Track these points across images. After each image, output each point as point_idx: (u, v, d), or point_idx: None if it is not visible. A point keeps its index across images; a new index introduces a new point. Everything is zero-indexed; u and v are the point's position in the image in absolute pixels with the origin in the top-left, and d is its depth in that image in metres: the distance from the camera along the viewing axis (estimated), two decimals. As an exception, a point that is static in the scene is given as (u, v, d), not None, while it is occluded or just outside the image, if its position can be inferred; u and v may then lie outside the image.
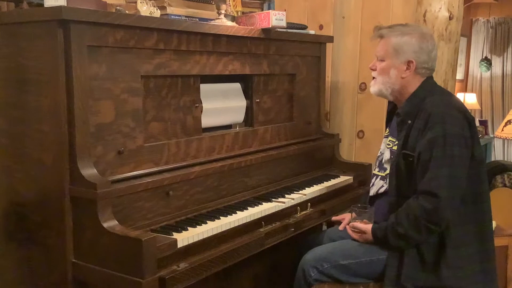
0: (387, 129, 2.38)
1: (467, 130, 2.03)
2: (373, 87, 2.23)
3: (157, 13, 2.10)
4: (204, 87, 2.27)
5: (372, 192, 2.32)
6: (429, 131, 2.02)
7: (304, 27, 2.94)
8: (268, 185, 2.55)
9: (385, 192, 2.23)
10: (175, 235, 1.86)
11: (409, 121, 2.12)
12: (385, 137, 2.37)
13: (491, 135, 6.88)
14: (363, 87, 3.29)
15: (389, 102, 2.37)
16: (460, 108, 2.09)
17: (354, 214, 2.29)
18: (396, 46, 2.15)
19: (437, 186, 1.96)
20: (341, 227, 2.44)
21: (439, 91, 2.20)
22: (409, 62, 2.14)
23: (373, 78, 2.24)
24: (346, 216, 2.47)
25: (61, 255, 1.81)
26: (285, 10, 3.32)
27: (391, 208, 2.12)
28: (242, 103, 2.51)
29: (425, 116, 2.05)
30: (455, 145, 1.99)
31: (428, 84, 2.18)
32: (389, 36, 2.17)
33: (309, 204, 2.45)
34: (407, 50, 2.14)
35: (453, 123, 2.01)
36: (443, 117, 2.02)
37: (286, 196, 2.43)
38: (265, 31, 2.47)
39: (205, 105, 2.27)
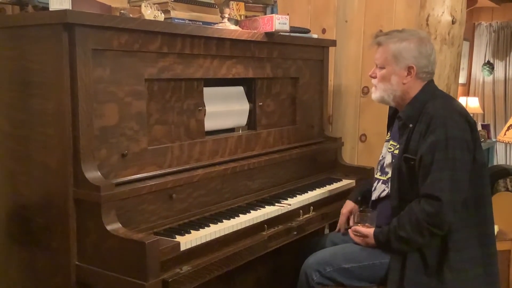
0: (389, 133, 2.38)
1: (469, 134, 2.04)
2: (375, 94, 2.24)
3: (161, 17, 2.11)
4: (207, 91, 2.27)
5: (374, 196, 2.32)
6: (431, 135, 2.02)
7: (307, 31, 2.94)
8: (271, 188, 2.55)
9: (387, 196, 2.23)
10: (178, 238, 1.86)
11: (411, 125, 2.12)
12: (386, 141, 2.37)
13: (494, 139, 6.88)
14: (365, 91, 3.29)
15: (390, 107, 2.37)
16: (462, 112, 2.09)
17: (356, 218, 2.29)
18: (396, 53, 2.15)
19: (439, 190, 1.96)
20: (341, 226, 2.45)
21: (440, 95, 2.21)
22: (409, 68, 2.15)
23: (374, 85, 2.24)
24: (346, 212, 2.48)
25: (64, 258, 1.82)
26: (288, 14, 3.33)
27: (394, 212, 2.13)
28: (245, 106, 2.52)
29: (426, 119, 2.05)
30: (457, 148, 1.99)
31: (430, 88, 2.18)
32: (388, 43, 2.17)
33: (312, 207, 2.46)
34: (406, 56, 2.14)
35: (455, 126, 2.02)
36: (445, 120, 2.02)
37: (289, 199, 2.43)
38: (268, 35, 2.48)
39: (208, 108, 2.27)
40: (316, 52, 2.93)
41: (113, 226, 1.74)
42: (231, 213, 2.17)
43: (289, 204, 2.36)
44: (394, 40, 2.16)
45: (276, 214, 2.28)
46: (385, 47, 2.18)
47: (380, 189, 2.29)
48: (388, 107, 2.41)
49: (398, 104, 2.23)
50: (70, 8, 1.78)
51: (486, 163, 2.17)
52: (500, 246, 2.48)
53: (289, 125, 2.78)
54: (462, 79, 6.98)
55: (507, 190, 4.06)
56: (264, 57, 2.54)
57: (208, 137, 2.28)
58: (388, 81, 2.17)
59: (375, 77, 2.22)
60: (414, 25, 2.99)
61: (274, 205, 2.33)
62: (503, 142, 5.04)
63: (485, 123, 7.13)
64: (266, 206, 2.30)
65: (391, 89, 2.18)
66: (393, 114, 2.35)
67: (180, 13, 2.22)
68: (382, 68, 2.19)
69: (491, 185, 4.02)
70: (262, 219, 2.20)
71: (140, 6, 2.09)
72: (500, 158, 7.27)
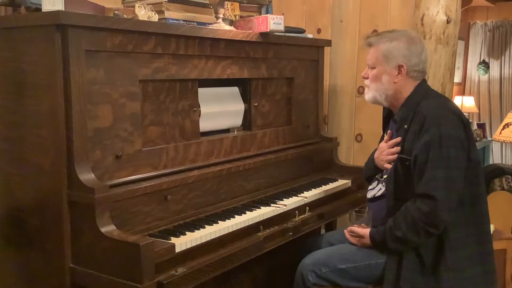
0: (385, 134, 2.38)
1: (463, 132, 2.04)
2: (367, 95, 2.25)
3: (155, 17, 2.10)
4: (202, 91, 2.26)
5: (371, 195, 2.32)
6: (425, 134, 2.03)
7: (302, 31, 2.94)
8: (266, 189, 2.55)
9: (382, 196, 2.24)
10: (173, 240, 1.85)
11: (405, 126, 2.13)
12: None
13: (489, 138, 6.89)
14: (361, 91, 3.29)
15: (384, 108, 2.38)
16: (455, 110, 2.10)
17: (352, 218, 2.29)
18: (386, 52, 2.16)
19: (433, 188, 1.97)
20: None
21: (433, 94, 2.21)
22: (399, 67, 2.16)
23: (366, 86, 2.25)
24: None
25: (59, 260, 1.81)
26: (283, 14, 3.33)
27: (389, 212, 2.13)
28: (240, 107, 2.51)
29: (420, 119, 2.06)
30: (450, 147, 1.99)
31: (422, 88, 2.19)
32: (378, 44, 2.19)
33: (308, 208, 2.45)
34: (396, 54, 2.15)
35: (449, 125, 2.02)
36: (438, 119, 2.02)
37: (285, 200, 2.43)
38: (263, 35, 2.47)
39: (203, 109, 2.27)
40: (311, 52, 2.92)
41: (108, 228, 1.73)
42: (227, 214, 2.16)
43: (285, 205, 2.35)
44: (384, 40, 2.18)
45: (272, 215, 2.27)
46: (376, 47, 2.20)
47: (377, 189, 2.29)
48: (382, 107, 2.41)
49: (391, 104, 2.23)
50: (63, 9, 1.77)
51: (480, 161, 2.17)
52: (496, 245, 2.48)
53: (285, 126, 2.77)
54: (457, 79, 6.98)
55: (503, 189, 4.06)
56: (259, 57, 2.53)
57: (203, 138, 2.27)
58: (379, 80, 2.18)
59: (367, 78, 2.23)
60: (409, 24, 2.99)
61: (269, 205, 2.32)
62: (498, 141, 5.06)
63: (481, 122, 7.14)
64: (261, 207, 2.29)
65: (382, 88, 2.19)
66: (387, 116, 2.36)
67: (174, 14, 2.21)
68: (373, 68, 2.21)
69: (487, 184, 4.03)
70: (257, 220, 2.19)
71: (134, 6, 2.08)
72: (495, 157, 7.29)
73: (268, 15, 2.47)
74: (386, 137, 2.29)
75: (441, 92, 2.77)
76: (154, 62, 2.01)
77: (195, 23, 2.28)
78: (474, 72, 7.40)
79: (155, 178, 2.00)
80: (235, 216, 2.15)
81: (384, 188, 2.21)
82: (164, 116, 2.10)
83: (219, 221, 2.07)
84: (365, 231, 2.18)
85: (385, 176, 2.24)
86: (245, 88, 2.53)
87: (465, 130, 2.05)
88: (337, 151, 3.10)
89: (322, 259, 2.18)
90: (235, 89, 2.51)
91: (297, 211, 2.39)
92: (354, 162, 3.33)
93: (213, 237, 1.97)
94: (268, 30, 2.45)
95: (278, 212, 2.31)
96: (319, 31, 3.42)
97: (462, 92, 7.40)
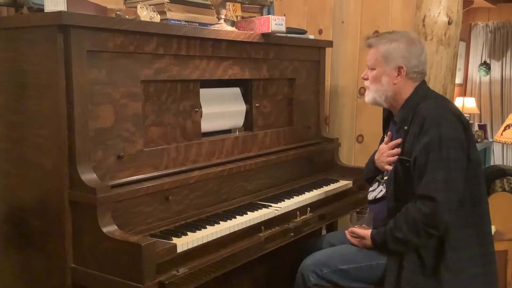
0: (385, 135, 2.38)
1: (462, 133, 2.04)
2: (367, 96, 2.26)
3: (157, 18, 2.10)
4: (203, 92, 2.27)
5: (371, 196, 2.32)
6: (424, 135, 2.03)
7: (304, 32, 2.94)
8: (267, 189, 2.55)
9: (383, 197, 2.24)
10: (175, 240, 1.85)
11: (405, 127, 2.13)
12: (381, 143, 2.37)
13: (490, 140, 6.89)
14: (362, 92, 3.29)
15: (384, 109, 2.38)
16: (455, 111, 2.10)
17: (353, 219, 2.29)
18: (385, 53, 2.17)
19: (434, 190, 1.97)
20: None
21: (433, 95, 2.21)
22: (399, 68, 2.16)
23: (366, 87, 2.26)
24: None
25: (60, 260, 1.81)
26: (284, 15, 3.33)
27: (390, 214, 2.13)
28: (242, 107, 2.51)
29: (420, 120, 2.06)
30: (450, 148, 1.99)
31: (422, 89, 2.19)
32: (378, 45, 2.20)
33: (309, 208, 2.45)
34: (396, 56, 2.15)
35: (448, 126, 2.02)
36: (438, 120, 2.03)
37: (286, 200, 2.43)
38: (265, 35, 2.47)
39: (205, 109, 2.27)
40: (312, 53, 2.93)
41: (109, 228, 1.73)
42: (228, 215, 2.16)
43: (287, 206, 2.35)
44: (384, 41, 2.18)
45: (273, 215, 2.28)
46: (375, 49, 2.20)
47: (377, 190, 2.29)
48: (382, 108, 2.41)
49: (391, 105, 2.24)
50: (65, 10, 1.77)
51: (481, 162, 2.17)
52: (497, 246, 2.47)
53: (286, 126, 2.78)
54: (458, 80, 6.98)
55: (504, 190, 4.06)
56: (261, 58, 2.54)
57: (204, 138, 2.27)
58: (379, 82, 2.19)
59: (367, 79, 2.24)
60: (410, 26, 2.99)
61: (271, 206, 2.32)
62: (500, 142, 5.05)
63: (482, 123, 7.14)
64: (263, 208, 2.29)
65: (382, 89, 2.19)
66: (387, 117, 2.36)
67: (176, 14, 2.21)
68: (373, 69, 2.21)
69: (488, 186, 4.03)
70: (259, 221, 2.19)
71: (136, 7, 2.09)
72: (497, 158, 7.28)
73: (270, 16, 2.47)
74: (386, 139, 2.29)
75: (442, 93, 2.77)
76: (155, 62, 2.02)
77: (197, 24, 2.28)
78: (476, 73, 7.40)
79: (156, 179, 2.00)
80: (237, 216, 2.15)
81: (385, 189, 2.22)
82: (165, 116, 2.10)
83: (220, 222, 2.07)
84: (366, 232, 2.18)
85: (385, 178, 2.24)
86: (247, 88, 2.53)
87: (465, 130, 2.05)
88: (338, 152, 3.10)
89: (323, 260, 2.18)
90: (237, 90, 2.52)
91: (298, 212, 2.39)
92: (355, 163, 3.33)
93: (214, 237, 1.97)
94: (270, 31, 2.45)
95: (279, 213, 2.31)
96: (320, 32, 3.42)
97: (463, 93, 7.40)
